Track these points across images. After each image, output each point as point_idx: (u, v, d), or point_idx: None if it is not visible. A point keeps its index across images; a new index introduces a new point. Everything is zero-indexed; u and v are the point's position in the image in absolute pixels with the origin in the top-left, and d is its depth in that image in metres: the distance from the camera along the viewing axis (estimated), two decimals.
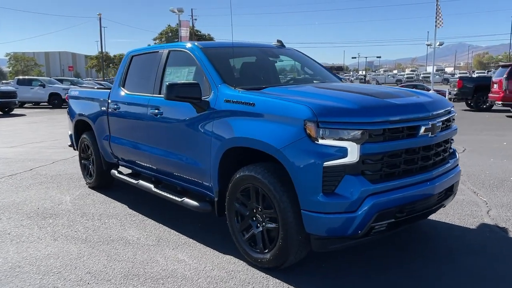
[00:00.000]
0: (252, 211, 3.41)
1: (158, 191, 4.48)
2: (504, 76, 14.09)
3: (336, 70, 79.52)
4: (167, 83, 3.71)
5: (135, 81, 5.07)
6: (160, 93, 4.44)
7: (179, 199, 4.14)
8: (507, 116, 14.93)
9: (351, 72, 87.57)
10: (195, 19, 56.93)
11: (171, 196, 4.25)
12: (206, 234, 4.17)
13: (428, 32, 69.54)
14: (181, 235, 4.18)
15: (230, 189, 3.51)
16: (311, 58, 5.11)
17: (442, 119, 3.37)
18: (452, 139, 3.73)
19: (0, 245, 4.04)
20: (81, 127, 6.34)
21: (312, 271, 3.33)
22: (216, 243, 3.94)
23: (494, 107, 17.33)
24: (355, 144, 2.83)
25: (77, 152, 6.53)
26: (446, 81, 57.10)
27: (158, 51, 4.70)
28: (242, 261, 3.52)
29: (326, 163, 2.82)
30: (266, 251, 3.28)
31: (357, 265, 3.43)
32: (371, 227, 2.92)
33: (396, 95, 3.38)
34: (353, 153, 2.83)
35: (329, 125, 2.85)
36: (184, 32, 42.30)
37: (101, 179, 5.95)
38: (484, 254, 3.57)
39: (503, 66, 15.51)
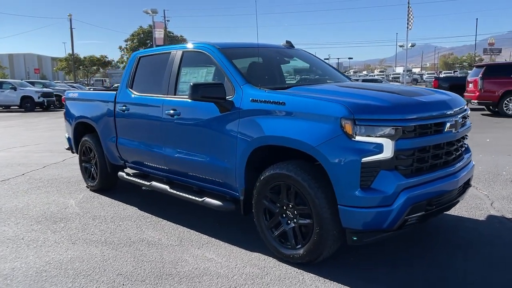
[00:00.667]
0: (282, 208, 3.48)
1: (175, 191, 4.48)
2: (479, 76, 14.71)
3: None
4: (191, 84, 3.73)
5: (144, 82, 5.04)
6: (175, 94, 4.45)
7: (200, 199, 4.16)
8: (482, 114, 15.58)
9: None
10: (167, 21, 56.31)
11: (191, 197, 4.26)
12: (226, 233, 4.21)
13: (397, 33, 71.40)
14: (201, 234, 4.20)
15: (258, 187, 3.57)
16: (318, 58, 5.23)
17: (461, 115, 3.54)
18: (467, 135, 3.91)
19: (17, 250, 3.95)
20: (81, 130, 6.24)
21: (343, 265, 3.43)
22: (240, 241, 3.98)
23: (469, 106, 18.00)
24: (389, 140, 2.95)
25: (69, 156, 6.42)
26: (415, 81, 58.76)
27: (170, 52, 4.70)
28: (271, 258, 3.59)
29: (364, 159, 2.93)
30: (299, 246, 3.36)
31: (385, 257, 3.55)
32: (405, 220, 3.05)
33: (420, 93, 3.52)
34: (388, 149, 2.95)
35: (365, 122, 2.96)
36: (158, 34, 41.84)
37: (105, 182, 5.88)
38: (500, 243, 3.77)
39: (477, 66, 16.17)
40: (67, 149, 6.80)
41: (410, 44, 31.71)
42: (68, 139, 6.59)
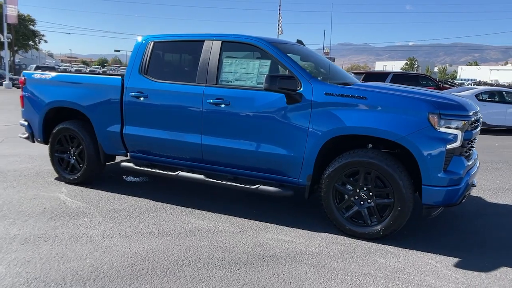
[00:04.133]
0: (355, 191, 3.93)
1: (216, 181, 4.49)
2: (360, 81, 17.02)
3: None
4: (268, 75, 3.92)
5: (167, 69, 4.86)
6: (216, 83, 4.46)
7: (254, 187, 4.30)
8: None
9: None
10: None
11: (243, 185, 4.35)
12: (278, 217, 4.43)
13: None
14: (252, 220, 4.34)
15: (331, 173, 3.94)
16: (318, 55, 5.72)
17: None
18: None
19: (64, 249, 3.54)
20: (54, 117, 5.58)
21: (413, 236, 4.03)
22: (297, 223, 4.27)
23: None
24: (460, 131, 3.68)
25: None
26: None
27: (202, 41, 4.64)
28: (340, 236, 3.99)
29: (448, 146, 3.59)
30: (375, 223, 3.86)
31: (438, 228, 4.29)
32: (464, 196, 3.82)
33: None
34: (459, 139, 3.68)
35: (446, 117, 3.64)
36: (11, 11, 36.71)
37: (91, 174, 5.40)
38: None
39: (356, 74, 18.61)
40: (24, 137, 5.93)
41: None
42: (28, 126, 5.77)
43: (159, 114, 4.74)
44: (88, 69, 56.57)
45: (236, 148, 4.35)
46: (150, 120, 4.80)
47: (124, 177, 5.99)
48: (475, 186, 4.25)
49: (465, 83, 48.64)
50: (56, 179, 5.66)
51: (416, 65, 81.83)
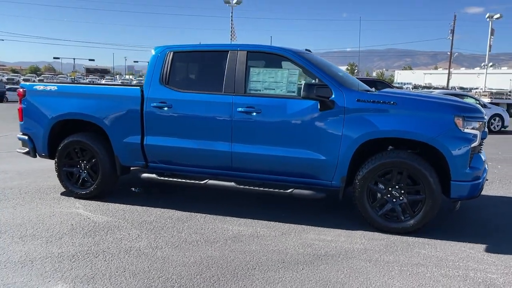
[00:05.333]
0: (387, 190, 4.24)
1: (249, 187, 4.62)
2: None
3: (101, 73, 76.24)
4: (306, 84, 4.18)
5: (190, 79, 4.93)
6: (245, 92, 4.61)
7: (288, 191, 4.49)
8: None
9: (117, 76, 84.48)
10: None
11: (276, 190, 4.52)
12: (308, 219, 4.64)
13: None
14: (287, 224, 4.51)
15: (365, 174, 4.23)
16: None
17: None
18: None
19: (121, 263, 3.52)
20: (61, 130, 5.42)
21: (439, 227, 4.39)
22: (329, 223, 4.51)
23: None
24: (478, 131, 4.12)
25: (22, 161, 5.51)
26: None
27: (226, 51, 4.76)
28: (375, 232, 4.28)
29: (472, 145, 4.01)
30: (407, 218, 4.19)
31: (456, 219, 4.70)
32: (482, 189, 4.26)
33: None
34: (478, 138, 4.12)
35: (468, 119, 4.07)
36: None
37: (105, 187, 5.30)
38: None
39: None
40: (23, 153, 5.67)
41: None
42: (29, 140, 5.54)
43: (185, 123, 4.78)
44: (21, 78, 53.19)
45: (268, 154, 4.51)
46: (174, 129, 4.83)
47: (133, 188, 5.91)
48: (487, 180, 4.73)
49: (404, 87, 51.76)
50: (62, 194, 5.49)
51: (356, 70, 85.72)
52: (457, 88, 57.07)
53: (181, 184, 4.95)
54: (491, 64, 47.03)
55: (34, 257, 3.58)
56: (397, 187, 4.22)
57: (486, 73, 37.53)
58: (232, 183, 4.70)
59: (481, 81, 42.66)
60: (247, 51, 4.73)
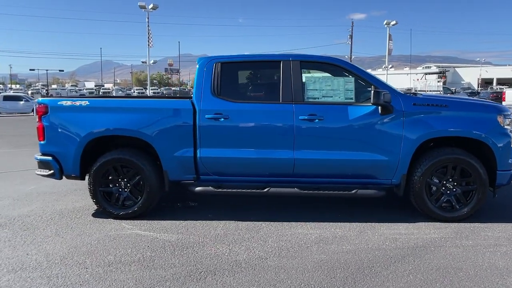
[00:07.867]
0: (442, 183, 4.75)
1: (313, 191, 4.81)
2: None
3: None
4: (375, 91, 4.49)
5: (241, 90, 4.96)
6: (303, 100, 4.80)
7: (352, 192, 4.78)
8: None
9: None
10: None
11: (341, 192, 4.78)
12: (370, 216, 4.96)
13: (101, 48, 70.77)
14: (354, 223, 4.77)
15: (424, 170, 4.69)
16: None
17: None
18: None
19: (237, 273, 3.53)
20: (95, 147, 5.07)
21: (484, 212, 4.97)
22: (392, 218, 4.89)
23: None
24: (510, 127, 4.84)
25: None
26: None
27: (279, 61, 4.89)
28: (435, 222, 4.76)
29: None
30: (461, 207, 4.74)
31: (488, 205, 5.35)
32: None
33: None
34: (510, 132, 4.84)
35: (507, 117, 4.75)
36: None
37: (150, 204, 5.06)
38: None
39: None
40: (46, 175, 5.16)
41: (152, 61, 33.72)
42: (53, 161, 5.07)
43: (243, 133, 4.81)
44: None
45: (332, 158, 4.75)
46: (232, 140, 4.83)
47: (179, 204, 5.69)
48: None
49: None
50: (94, 215, 5.13)
51: None
52: None
53: (252, 194, 4.97)
54: (391, 66, 51.89)
55: (159, 283, 3.40)
56: (450, 180, 4.75)
57: (387, 74, 41.47)
58: (296, 189, 4.85)
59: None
60: (299, 61, 4.92)
